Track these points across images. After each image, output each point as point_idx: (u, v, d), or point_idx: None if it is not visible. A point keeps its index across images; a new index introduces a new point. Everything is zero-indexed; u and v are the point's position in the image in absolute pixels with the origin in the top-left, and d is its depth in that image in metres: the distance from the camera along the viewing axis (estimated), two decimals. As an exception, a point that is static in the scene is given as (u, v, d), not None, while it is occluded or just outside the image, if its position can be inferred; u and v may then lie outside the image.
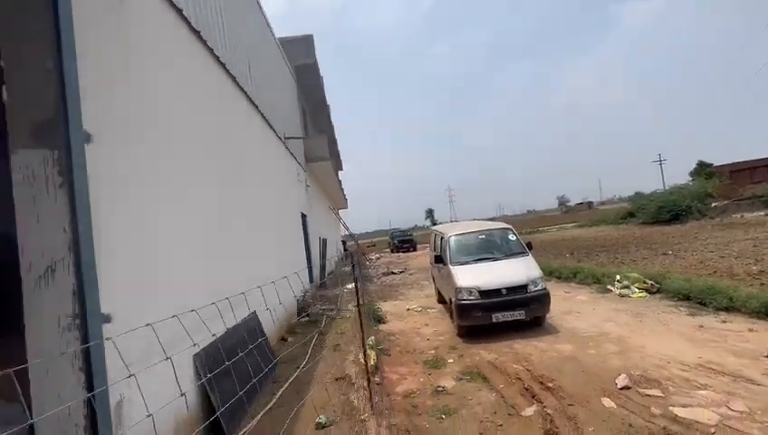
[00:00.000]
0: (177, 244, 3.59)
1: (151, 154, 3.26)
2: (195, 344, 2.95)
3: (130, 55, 3.12)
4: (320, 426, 3.54)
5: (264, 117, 7.80)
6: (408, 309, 8.65)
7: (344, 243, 23.70)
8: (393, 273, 15.75)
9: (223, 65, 5.49)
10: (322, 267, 13.00)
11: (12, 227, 2.23)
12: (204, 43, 4.76)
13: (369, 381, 3.78)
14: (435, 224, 78.16)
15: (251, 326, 5.25)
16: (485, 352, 5.18)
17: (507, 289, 5.50)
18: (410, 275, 14.88)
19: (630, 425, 3.16)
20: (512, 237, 6.67)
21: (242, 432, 3.49)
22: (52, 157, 2.25)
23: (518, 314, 5.50)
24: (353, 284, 13.56)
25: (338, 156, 22.32)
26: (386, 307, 9.20)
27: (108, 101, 2.78)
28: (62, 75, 2.28)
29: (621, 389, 3.80)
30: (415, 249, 27.94)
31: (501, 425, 3.39)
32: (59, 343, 2.20)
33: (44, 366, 2.18)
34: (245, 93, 6.61)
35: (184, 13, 4.16)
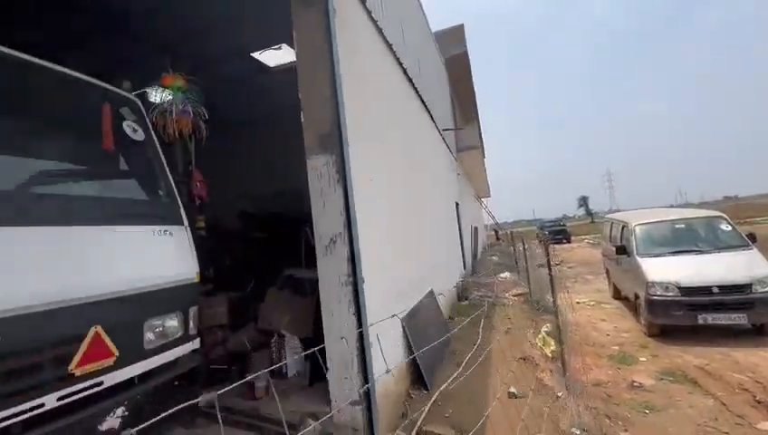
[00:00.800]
0: (386, 228, 4.37)
1: (371, 154, 4.07)
2: (401, 312, 3.59)
3: (360, 77, 3.95)
4: (512, 395, 3.86)
5: (429, 113, 8.45)
6: (578, 302, 8.18)
7: (496, 232, 23.29)
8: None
9: (405, 71, 6.23)
10: (474, 256, 13.23)
11: (309, 210, 3.21)
12: (397, 59, 5.53)
13: (563, 362, 3.90)
14: (590, 213, 69.07)
15: (431, 302, 5.93)
16: (689, 356, 4.62)
17: (720, 287, 4.73)
18: (569, 268, 13.82)
19: None
20: (725, 227, 5.62)
21: (441, 388, 4.09)
22: (332, 160, 3.12)
23: (737, 318, 4.68)
24: (506, 273, 13.35)
25: (482, 143, 22.05)
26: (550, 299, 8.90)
27: (352, 115, 3.62)
28: (336, 101, 3.12)
29: None
30: (569, 241, 25.47)
31: (727, 433, 3.08)
32: (338, 294, 3.08)
33: (330, 309, 3.10)
34: (418, 93, 7.31)
35: (387, 38, 4.94)
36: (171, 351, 2.09)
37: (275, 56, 9.15)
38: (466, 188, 17.21)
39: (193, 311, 2.26)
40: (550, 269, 4.24)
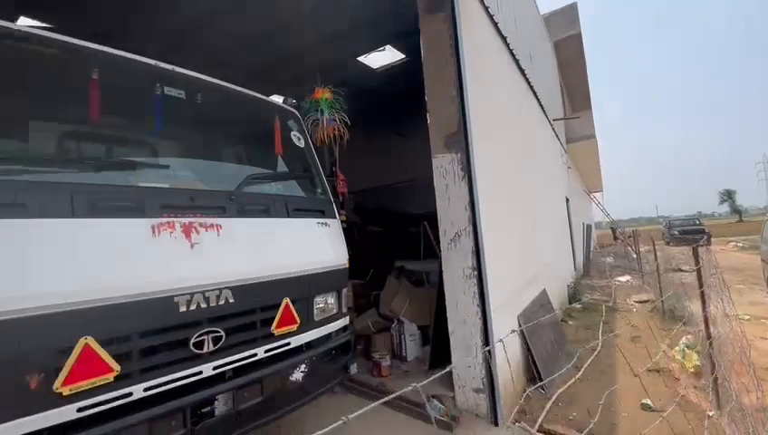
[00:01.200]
0: (504, 225, 4.36)
1: (489, 150, 4.11)
2: (517, 309, 3.55)
3: (480, 76, 4.01)
4: (646, 407, 3.56)
5: (540, 104, 8.02)
6: (731, 315, 6.99)
7: (613, 230, 20.98)
8: (682, 270, 12.85)
9: (518, 63, 6.05)
10: (587, 256, 12.15)
11: (434, 205, 3.42)
12: (510, 51, 5.42)
13: (715, 379, 3.47)
14: (738, 211, 57.38)
15: (544, 302, 5.71)
16: None
17: None
18: (711, 275, 11.76)
19: None
20: None
21: (561, 390, 3.96)
22: (458, 158, 3.27)
23: None
24: (626, 276, 11.99)
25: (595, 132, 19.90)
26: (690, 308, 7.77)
27: (474, 113, 3.71)
28: (462, 101, 3.25)
29: None
30: (708, 243, 21.53)
31: None
32: (463, 286, 3.23)
33: (455, 300, 3.27)
34: (530, 85, 7.01)
35: (502, 32, 4.89)
36: (329, 325, 2.48)
37: (379, 58, 9.66)
38: (576, 183, 15.81)
39: (344, 292, 2.63)
40: (700, 276, 3.78)
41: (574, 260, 11.72)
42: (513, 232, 4.67)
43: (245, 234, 2.04)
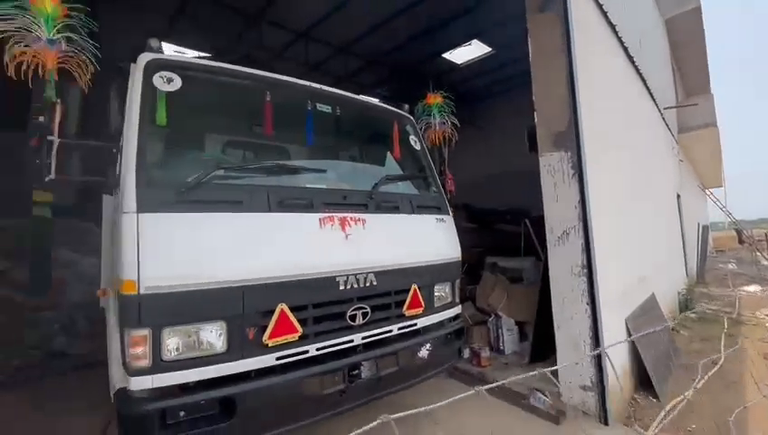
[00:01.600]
0: (613, 223, 4.20)
1: (598, 147, 3.98)
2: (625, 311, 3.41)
3: (588, 71, 3.90)
4: (787, 430, 3.21)
5: (650, 93, 7.34)
6: None
7: (739, 233, 18.23)
8: (832, 282, 10.70)
9: (626, 51, 5.65)
10: (702, 260, 10.76)
11: (541, 204, 3.48)
12: (619, 39, 5.12)
13: None
14: None
15: (653, 307, 5.32)
16: None
17: None
18: None
19: None
20: None
21: (678, 399, 3.73)
22: (567, 156, 3.28)
23: None
24: (755, 286, 10.42)
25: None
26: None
27: (585, 110, 3.64)
28: (573, 100, 3.24)
29: None
30: None
31: None
32: (571, 283, 3.25)
33: (562, 297, 3.30)
34: (639, 73, 6.48)
35: (611, 19, 4.65)
36: (445, 312, 2.73)
37: (465, 53, 9.64)
38: (689, 177, 13.96)
39: (457, 283, 2.86)
40: None
41: (686, 264, 10.46)
42: (622, 231, 4.45)
43: (382, 227, 2.38)
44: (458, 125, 3.34)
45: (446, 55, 9.30)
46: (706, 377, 4.53)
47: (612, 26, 4.96)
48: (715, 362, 5.02)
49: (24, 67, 1.81)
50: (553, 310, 3.35)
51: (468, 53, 9.30)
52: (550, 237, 3.38)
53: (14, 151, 3.20)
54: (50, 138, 1.72)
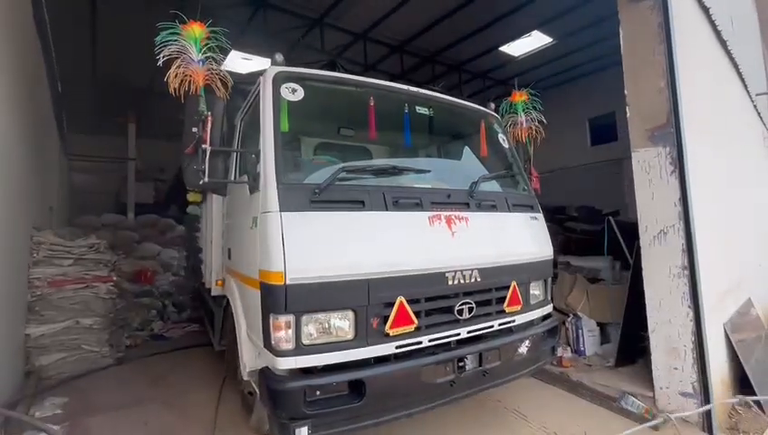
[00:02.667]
0: (712, 222, 3.91)
1: (697, 141, 3.73)
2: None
3: (684, 61, 3.66)
4: None
5: (741, 79, 6.69)
6: None
7: None
8: None
9: (719, 34, 5.21)
10: (798, 262, 9.61)
11: (633, 202, 3.35)
12: (712, 23, 4.74)
13: None
14: None
15: (750, 312, 4.90)
16: None
17: None
18: None
19: None
20: None
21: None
22: (665, 152, 3.13)
23: None
24: None
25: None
26: None
27: (690, 107, 3.42)
28: (673, 92, 3.08)
29: None
30: None
31: None
32: (669, 285, 3.10)
33: (658, 300, 3.17)
34: (731, 58, 5.94)
35: (704, 2, 4.32)
36: (539, 309, 2.74)
37: (523, 45, 9.37)
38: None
39: (549, 281, 2.85)
40: None
41: (779, 267, 9.42)
42: (721, 230, 4.16)
43: (483, 225, 2.45)
44: (545, 123, 3.30)
45: (504, 48, 9.11)
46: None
47: (706, 9, 4.61)
48: (827, 376, 4.53)
49: (179, 86, 2.08)
50: (648, 312, 3.22)
51: (527, 44, 9.04)
52: (644, 237, 3.25)
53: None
54: (204, 146, 1.97)
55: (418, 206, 2.22)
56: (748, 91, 7.49)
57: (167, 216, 7.80)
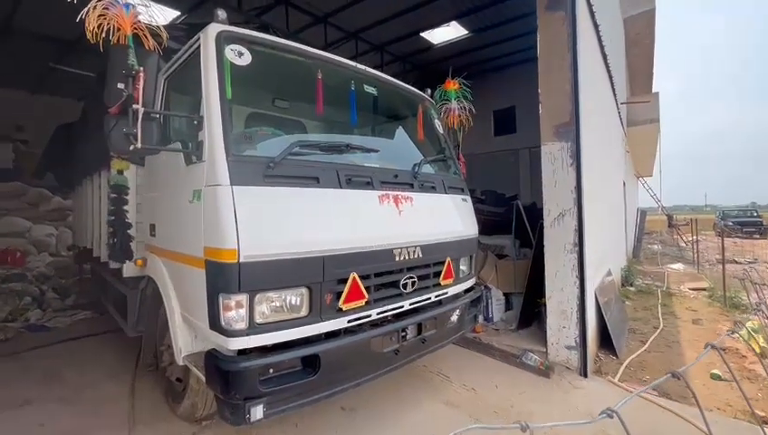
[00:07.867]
0: (594, 206, 4.74)
1: (587, 139, 4.44)
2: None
3: (584, 69, 4.29)
4: (715, 377, 4.00)
5: (613, 88, 8.04)
6: (788, 305, 7.12)
7: (670, 217, 20.53)
8: (737, 262, 12.67)
9: (602, 49, 6.16)
10: (638, 240, 12.19)
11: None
12: (599, 38, 5.57)
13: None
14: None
15: (610, 280, 6.12)
16: None
17: None
18: (768, 267, 11.55)
19: None
20: None
21: (635, 355, 4.46)
22: (567, 146, 3.67)
23: None
24: (678, 264, 11.99)
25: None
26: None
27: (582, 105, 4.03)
28: (575, 95, 3.61)
29: None
30: (762, 235, 20.66)
31: None
32: (563, 259, 3.72)
33: (554, 271, 3.77)
34: (608, 69, 7.07)
35: (597, 23, 5.06)
36: (466, 282, 3.06)
37: (442, 34, 9.81)
38: (629, 167, 15.51)
39: (473, 257, 3.18)
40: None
41: (626, 245, 11.83)
42: (598, 213, 5.04)
43: (425, 205, 2.61)
44: (474, 111, 3.58)
45: (425, 34, 9.42)
46: (653, 338, 5.42)
47: (596, 26, 5.40)
48: (655, 327, 5.96)
49: (99, 31, 1.76)
50: (546, 282, 3.82)
51: (446, 33, 9.48)
52: (547, 219, 3.81)
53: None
54: (135, 107, 1.72)
55: (369, 185, 2.27)
56: (616, 99, 9.04)
57: (39, 185, 6.46)
